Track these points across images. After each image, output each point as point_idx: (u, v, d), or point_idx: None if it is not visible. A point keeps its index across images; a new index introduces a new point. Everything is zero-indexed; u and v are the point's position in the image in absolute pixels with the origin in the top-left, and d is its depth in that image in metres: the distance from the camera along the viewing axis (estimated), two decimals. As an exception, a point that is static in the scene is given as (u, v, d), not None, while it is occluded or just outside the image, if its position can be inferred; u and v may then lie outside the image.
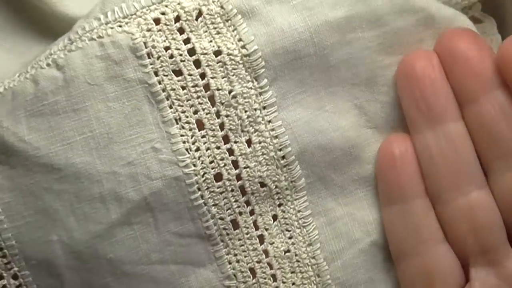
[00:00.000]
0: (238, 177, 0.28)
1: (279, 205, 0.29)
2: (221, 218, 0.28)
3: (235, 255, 0.28)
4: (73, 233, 0.27)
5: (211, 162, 0.27)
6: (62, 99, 0.27)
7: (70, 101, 0.27)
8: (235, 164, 0.28)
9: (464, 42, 0.26)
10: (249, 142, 0.28)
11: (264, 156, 0.28)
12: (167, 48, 0.27)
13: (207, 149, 0.27)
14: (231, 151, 0.28)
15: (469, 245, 0.26)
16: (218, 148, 0.27)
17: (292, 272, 0.29)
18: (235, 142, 0.27)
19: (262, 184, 0.28)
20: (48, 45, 0.29)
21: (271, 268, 0.29)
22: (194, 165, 0.27)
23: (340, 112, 0.28)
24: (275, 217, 0.29)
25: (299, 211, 0.29)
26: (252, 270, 0.28)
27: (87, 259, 0.27)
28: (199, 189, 0.27)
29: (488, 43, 0.28)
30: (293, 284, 0.29)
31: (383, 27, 0.28)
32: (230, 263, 0.28)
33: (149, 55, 0.27)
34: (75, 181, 0.27)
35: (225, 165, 0.27)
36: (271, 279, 0.28)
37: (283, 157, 0.28)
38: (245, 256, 0.28)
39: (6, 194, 0.27)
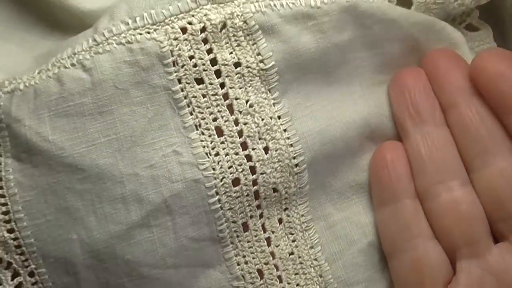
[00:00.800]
0: (254, 182, 0.29)
1: (285, 209, 0.30)
2: (234, 222, 0.29)
3: (244, 256, 0.30)
4: (93, 232, 0.28)
5: (229, 167, 0.29)
6: (88, 101, 0.28)
7: (97, 103, 0.28)
8: (252, 170, 0.29)
9: (444, 58, 0.30)
10: (266, 149, 0.29)
11: (280, 163, 0.29)
12: (191, 57, 0.29)
13: (226, 154, 0.29)
14: (249, 157, 0.29)
15: (454, 237, 0.29)
16: (236, 154, 0.29)
17: (296, 274, 0.30)
18: (253, 149, 0.29)
19: (275, 190, 0.30)
20: (57, 39, 0.30)
21: (277, 269, 0.30)
22: (214, 169, 0.29)
23: (349, 122, 0.30)
24: (280, 221, 0.30)
25: (302, 216, 0.30)
26: (260, 272, 0.30)
27: (104, 259, 0.28)
28: (217, 193, 0.29)
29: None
30: (297, 285, 0.30)
31: (376, 49, 0.31)
32: (238, 264, 0.30)
33: (174, 63, 0.28)
34: (98, 182, 0.28)
35: (243, 170, 0.29)
36: (278, 280, 0.30)
37: (297, 165, 0.29)
38: (253, 258, 0.30)
39: (27, 193, 0.28)
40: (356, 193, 0.31)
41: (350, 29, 0.30)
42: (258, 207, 0.30)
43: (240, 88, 0.29)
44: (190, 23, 0.28)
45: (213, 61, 0.29)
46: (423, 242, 0.29)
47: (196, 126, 0.28)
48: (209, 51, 0.29)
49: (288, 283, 0.30)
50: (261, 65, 0.29)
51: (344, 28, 0.30)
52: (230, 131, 0.28)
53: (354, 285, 0.31)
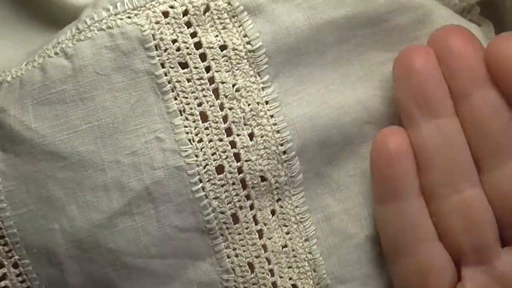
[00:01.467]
0: (240, 170, 0.28)
1: (278, 200, 0.29)
2: (222, 212, 0.28)
3: (234, 249, 0.29)
4: (75, 221, 0.28)
5: (213, 154, 0.28)
6: (70, 88, 0.28)
7: (78, 90, 0.28)
8: (237, 157, 0.28)
9: (458, 38, 0.26)
10: (251, 136, 0.28)
11: (266, 150, 0.28)
12: (174, 41, 0.28)
13: (210, 140, 0.28)
14: (233, 144, 0.28)
15: (462, 242, 0.27)
16: (220, 140, 0.28)
17: (289, 267, 0.29)
18: (238, 135, 0.28)
19: (263, 178, 0.29)
20: (54, 35, 0.30)
21: (269, 263, 0.29)
22: (196, 156, 0.28)
23: (343, 107, 0.29)
24: (273, 212, 0.29)
25: (296, 207, 0.29)
26: (250, 265, 0.29)
27: (87, 249, 0.28)
28: (200, 180, 0.28)
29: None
30: (290, 279, 0.29)
31: (380, 24, 0.29)
32: (229, 257, 0.29)
33: (157, 47, 0.28)
34: (79, 169, 0.28)
35: (227, 157, 0.28)
36: (269, 274, 0.29)
37: (284, 152, 0.28)
38: (244, 251, 0.29)
39: (10, 182, 0.28)
40: (356, 183, 0.30)
41: (347, 3, 0.28)
42: (248, 197, 0.29)
43: (227, 72, 0.28)
44: (171, 7, 0.28)
45: (198, 45, 0.28)
46: (428, 245, 0.27)
47: (180, 111, 0.28)
48: (194, 35, 0.28)
49: (280, 277, 0.29)
50: (248, 47, 0.28)
51: (339, 3, 0.28)
52: (215, 116, 0.28)
53: (348, 282, 0.29)
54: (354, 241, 0.29)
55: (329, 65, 0.29)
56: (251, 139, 0.28)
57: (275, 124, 0.28)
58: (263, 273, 0.29)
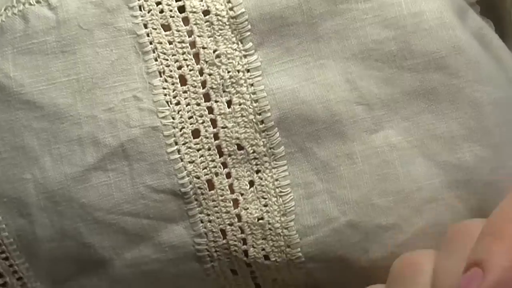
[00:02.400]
0: (216, 136, 0.29)
1: (257, 171, 0.29)
2: (197, 177, 0.29)
3: (208, 215, 0.29)
4: (48, 173, 0.28)
5: (189, 117, 0.29)
6: (52, 39, 0.28)
7: (60, 42, 0.28)
8: (214, 123, 0.29)
9: None
10: (229, 103, 0.29)
11: (243, 118, 0.29)
12: (158, 3, 0.29)
13: (187, 104, 0.28)
14: (210, 109, 0.29)
15: None
16: (198, 104, 0.28)
17: (263, 239, 0.29)
18: (216, 101, 0.29)
19: (240, 147, 0.29)
20: None
21: (242, 232, 0.29)
22: (173, 118, 0.28)
23: (330, 85, 0.29)
24: (251, 183, 0.29)
25: (276, 180, 0.29)
26: (223, 231, 0.29)
27: (59, 201, 0.28)
28: (176, 143, 0.29)
29: None
30: (263, 250, 0.29)
31: None
32: (202, 222, 0.29)
33: (141, 7, 0.29)
34: (55, 121, 0.28)
35: (203, 122, 0.29)
36: (241, 242, 0.29)
37: (262, 122, 0.29)
38: (218, 218, 0.29)
39: None
40: (343, 164, 0.29)
41: None
42: (224, 165, 0.29)
43: (209, 37, 0.28)
44: None
45: (182, 9, 0.29)
46: None
47: (160, 72, 0.28)
48: None
49: (253, 247, 0.29)
50: (231, 13, 0.28)
51: None
52: (194, 81, 0.28)
53: (322, 263, 0.29)
54: (333, 225, 0.29)
55: (321, 38, 0.29)
56: (229, 107, 0.29)
57: (254, 93, 0.29)
58: (235, 240, 0.29)
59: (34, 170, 0.28)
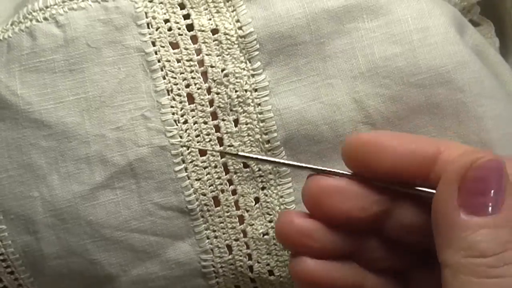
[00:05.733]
0: (222, 154, 0.30)
1: (262, 188, 0.31)
2: (203, 194, 0.30)
3: (214, 231, 0.31)
4: (55, 191, 0.29)
5: (197, 136, 0.30)
6: (60, 57, 0.29)
7: (68, 61, 0.29)
8: (220, 141, 0.30)
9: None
10: (236, 122, 0.30)
11: (250, 137, 0.30)
12: (166, 21, 0.30)
13: (195, 122, 0.29)
14: (217, 128, 0.30)
15: None
16: (205, 123, 0.29)
17: (268, 254, 0.31)
18: (223, 119, 0.30)
19: (245, 165, 0.30)
20: None
21: (247, 247, 0.31)
22: (181, 137, 0.30)
23: (337, 105, 0.30)
24: (257, 200, 0.31)
25: (281, 197, 0.31)
26: (229, 247, 0.31)
27: (66, 219, 0.30)
28: (183, 161, 0.30)
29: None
30: (268, 265, 0.31)
31: (386, 15, 0.30)
32: (208, 238, 0.31)
33: (149, 25, 0.30)
34: (63, 140, 0.29)
35: (210, 140, 0.30)
36: (247, 257, 0.31)
37: (268, 141, 0.30)
38: (224, 233, 0.31)
39: None
40: None
41: None
42: (230, 182, 0.30)
43: (217, 56, 0.30)
44: None
45: (190, 27, 0.30)
46: None
47: (168, 91, 0.29)
48: (187, 17, 0.30)
49: (258, 262, 0.31)
50: (239, 32, 0.29)
51: None
52: (201, 99, 0.29)
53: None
54: None
55: (329, 57, 0.30)
56: (235, 125, 0.30)
57: (261, 113, 0.30)
58: (240, 256, 0.31)
59: (41, 188, 0.29)
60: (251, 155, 0.28)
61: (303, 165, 0.27)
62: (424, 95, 0.30)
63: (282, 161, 0.28)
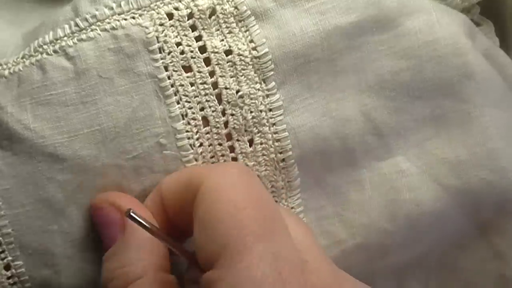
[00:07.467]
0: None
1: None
2: None
3: None
4: (74, 222, 0.29)
5: (211, 157, 0.30)
6: (71, 90, 0.29)
7: (80, 93, 0.29)
8: (235, 161, 0.30)
9: None
10: (251, 142, 0.30)
11: (264, 157, 0.30)
12: (178, 44, 0.29)
13: (210, 145, 0.30)
14: (232, 148, 0.30)
15: None
16: (220, 145, 0.30)
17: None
18: (237, 140, 0.30)
19: None
20: (46, 11, 0.31)
21: None
22: (196, 160, 0.30)
23: (346, 119, 0.31)
24: None
25: (292, 208, 0.32)
26: None
27: (85, 249, 0.30)
28: None
29: None
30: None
31: (393, 30, 0.30)
32: None
33: (161, 49, 0.29)
34: (79, 173, 0.29)
35: (225, 161, 0.30)
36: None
37: (283, 160, 0.31)
38: None
39: (6, 181, 0.29)
40: (352, 189, 0.32)
41: (357, 8, 0.30)
42: None
43: (231, 77, 0.30)
44: (176, 9, 0.29)
45: (203, 49, 0.30)
46: None
47: (182, 115, 0.30)
48: (198, 39, 0.30)
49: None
50: (254, 52, 0.29)
51: (350, 7, 0.30)
52: (216, 122, 0.29)
53: None
54: (342, 246, 0.32)
55: (339, 73, 0.30)
56: (250, 146, 0.30)
57: (276, 133, 0.30)
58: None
59: (60, 221, 0.30)
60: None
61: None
62: (429, 106, 0.31)
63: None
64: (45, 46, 0.29)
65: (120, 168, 0.29)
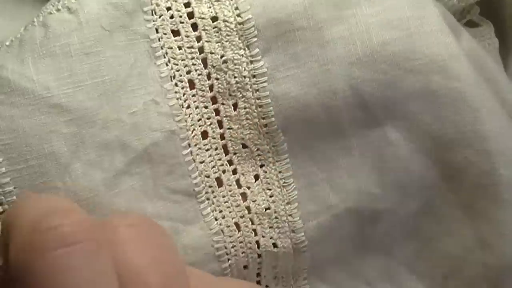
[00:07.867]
0: (222, 136, 0.32)
1: (261, 165, 0.33)
2: (207, 176, 0.32)
3: (220, 211, 0.32)
4: (79, 180, 0.28)
5: (198, 120, 0.32)
6: (75, 41, 0.29)
7: (84, 44, 0.29)
8: (220, 124, 0.32)
9: None
10: (235, 106, 0.32)
11: (248, 121, 0.32)
12: (168, 9, 0.31)
13: (196, 107, 0.31)
14: (217, 111, 0.32)
15: None
16: (206, 107, 0.31)
17: (270, 227, 0.33)
18: (222, 104, 0.32)
19: (244, 146, 0.33)
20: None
21: (252, 223, 0.33)
22: (186, 121, 0.31)
23: (333, 91, 0.32)
24: (257, 177, 0.33)
25: (280, 172, 0.33)
26: (237, 225, 0.33)
27: (91, 210, 0.29)
28: (189, 145, 0.31)
29: (485, 46, 0.34)
30: (271, 238, 0.33)
31: (384, 2, 0.30)
32: (216, 219, 0.32)
33: (153, 12, 0.31)
34: (84, 125, 0.29)
35: (211, 123, 0.32)
36: (253, 233, 0.33)
37: (266, 125, 0.32)
38: (230, 212, 0.32)
39: (6, 135, 0.28)
40: (342, 156, 0.32)
41: None
42: (230, 162, 0.32)
43: (217, 43, 0.31)
44: None
45: (191, 15, 0.32)
46: None
47: (171, 77, 0.30)
48: (187, 5, 0.31)
49: (263, 236, 0.33)
50: (238, 19, 0.31)
51: None
52: (202, 85, 0.31)
53: (323, 243, 0.33)
54: (333, 211, 0.33)
55: (327, 43, 0.31)
56: (234, 110, 0.32)
57: (259, 99, 0.32)
58: (247, 231, 0.33)
59: (65, 178, 0.28)
60: None
61: None
62: (419, 81, 0.30)
63: None
64: (47, 10, 0.29)
65: (122, 123, 0.29)
